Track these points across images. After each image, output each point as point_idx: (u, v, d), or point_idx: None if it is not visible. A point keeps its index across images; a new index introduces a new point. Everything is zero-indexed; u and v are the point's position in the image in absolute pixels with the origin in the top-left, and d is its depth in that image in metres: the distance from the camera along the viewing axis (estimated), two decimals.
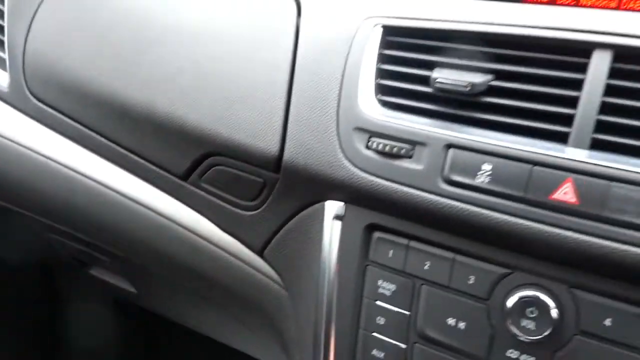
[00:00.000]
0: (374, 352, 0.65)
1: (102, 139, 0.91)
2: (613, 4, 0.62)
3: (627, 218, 0.52)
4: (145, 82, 0.84)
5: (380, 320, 0.65)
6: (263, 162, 0.73)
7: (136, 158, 0.87)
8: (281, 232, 0.76)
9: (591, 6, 0.62)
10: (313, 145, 0.68)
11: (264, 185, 0.75)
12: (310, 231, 0.72)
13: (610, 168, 0.52)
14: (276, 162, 0.72)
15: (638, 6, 0.59)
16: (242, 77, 0.76)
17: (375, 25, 0.67)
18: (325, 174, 0.67)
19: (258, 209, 0.77)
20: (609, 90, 0.54)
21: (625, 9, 0.59)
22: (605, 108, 0.54)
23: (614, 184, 0.52)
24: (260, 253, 0.80)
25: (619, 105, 0.54)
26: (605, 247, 0.52)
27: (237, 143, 0.74)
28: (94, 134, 0.92)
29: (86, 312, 1.65)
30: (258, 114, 0.73)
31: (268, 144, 0.72)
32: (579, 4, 0.65)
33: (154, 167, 0.86)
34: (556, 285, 0.56)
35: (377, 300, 0.65)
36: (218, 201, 0.81)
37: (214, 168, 0.79)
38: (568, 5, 0.65)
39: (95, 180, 0.92)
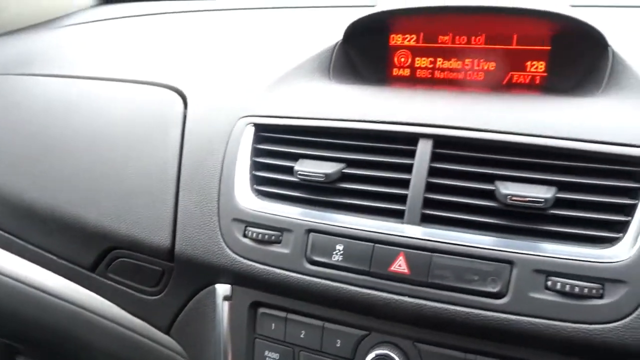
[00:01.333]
0: None
1: (13, 237, 0.97)
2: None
3: (447, 282, 0.64)
4: (48, 183, 0.92)
5: None
6: (158, 254, 0.82)
7: (46, 254, 0.94)
8: (183, 312, 0.85)
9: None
10: (198, 236, 0.78)
11: (162, 273, 0.84)
12: (206, 311, 0.81)
13: (432, 241, 0.65)
14: (169, 253, 0.81)
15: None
16: (135, 175, 0.85)
17: (248, 123, 0.78)
18: (210, 261, 0.76)
19: (160, 293, 0.86)
20: (433, 172, 0.67)
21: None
22: (431, 187, 0.67)
23: (435, 254, 0.64)
24: (167, 332, 0.88)
25: (441, 184, 0.67)
26: (434, 308, 0.64)
27: (135, 238, 0.83)
28: (4, 233, 0.98)
29: None
30: (151, 210, 0.82)
31: (161, 237, 0.81)
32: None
33: (63, 261, 0.93)
34: (403, 341, 0.68)
35: None
36: (124, 289, 0.89)
37: (118, 260, 0.87)
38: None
39: (6, 275, 0.97)
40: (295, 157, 0.74)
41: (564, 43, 0.76)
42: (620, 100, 0.68)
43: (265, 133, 0.77)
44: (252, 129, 0.78)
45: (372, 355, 0.68)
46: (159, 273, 0.84)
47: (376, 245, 0.67)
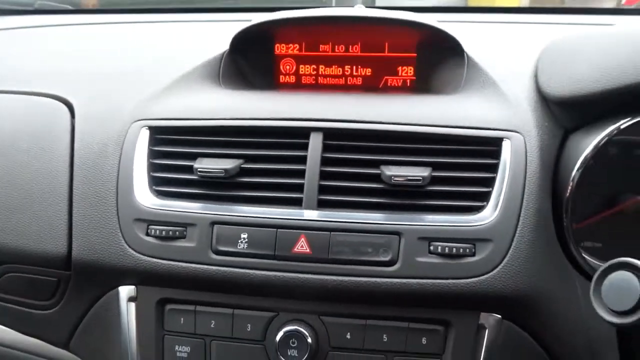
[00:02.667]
0: None
1: None
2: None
3: (345, 257, 0.71)
4: None
5: None
6: (53, 264, 0.80)
7: None
8: (82, 323, 0.83)
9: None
10: (98, 240, 0.77)
11: (58, 283, 0.81)
12: (109, 316, 0.80)
13: (329, 222, 0.72)
14: (66, 261, 0.79)
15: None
16: (22, 189, 0.82)
17: (143, 126, 0.80)
18: (112, 264, 0.76)
19: (56, 306, 0.83)
20: (325, 161, 0.74)
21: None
22: (324, 175, 0.74)
23: (333, 233, 0.71)
24: (65, 346, 0.85)
25: (333, 172, 0.74)
26: (336, 281, 0.71)
27: (25, 250, 0.80)
28: None
29: None
30: (42, 220, 0.80)
31: (55, 246, 0.79)
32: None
33: None
34: (310, 316, 0.73)
35: None
36: (15, 306, 0.84)
37: (6, 275, 0.83)
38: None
39: None
40: (194, 157, 0.77)
41: (429, 50, 0.89)
42: (477, 96, 0.81)
43: (160, 135, 0.80)
44: (147, 132, 0.80)
45: (281, 333, 0.72)
46: (54, 284, 0.81)
47: (279, 230, 0.72)
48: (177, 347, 0.76)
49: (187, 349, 0.76)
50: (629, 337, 0.72)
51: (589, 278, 0.68)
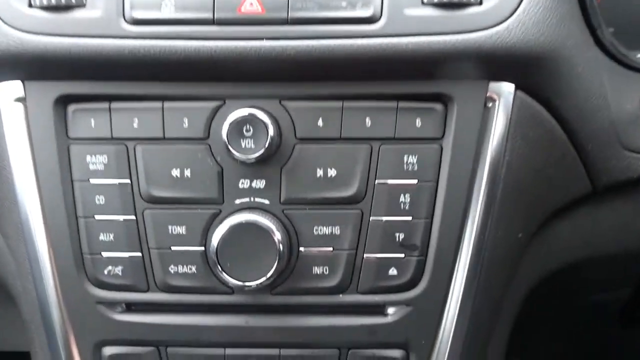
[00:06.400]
0: (102, 236, 0.57)
1: None
2: None
3: (310, 15, 0.52)
4: None
5: (100, 200, 0.57)
6: None
7: None
8: None
9: None
10: None
11: None
12: None
13: None
14: None
15: None
16: None
17: None
18: None
19: None
20: None
21: None
22: None
23: None
24: None
25: None
26: (299, 48, 0.52)
27: None
28: None
29: None
30: None
31: None
32: None
33: None
34: (268, 102, 0.55)
35: (90, 178, 0.56)
36: None
37: None
38: None
39: None
40: None
41: None
42: None
43: None
44: None
45: (229, 121, 0.54)
46: None
47: None
48: (89, 159, 0.56)
49: (104, 158, 0.56)
50: None
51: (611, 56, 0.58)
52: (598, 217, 0.65)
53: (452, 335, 0.58)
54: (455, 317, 0.58)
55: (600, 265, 0.72)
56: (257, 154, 0.53)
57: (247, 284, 0.54)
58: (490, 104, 0.56)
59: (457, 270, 0.57)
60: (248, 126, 0.53)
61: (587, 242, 0.66)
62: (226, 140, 0.53)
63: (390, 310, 0.59)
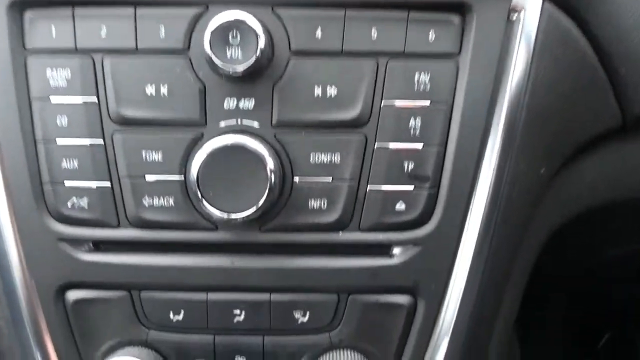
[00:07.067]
0: (65, 163, 0.49)
1: None
2: None
3: None
4: None
5: (63, 121, 0.49)
6: None
7: None
8: None
9: None
10: None
11: None
12: None
13: None
14: None
15: None
16: None
17: None
18: None
19: None
20: None
21: None
22: None
23: None
24: None
25: None
26: None
27: None
28: None
29: None
30: None
31: None
32: None
33: None
34: (258, 10, 0.47)
35: (51, 95, 0.49)
36: None
37: None
38: None
39: None
40: None
41: None
42: None
43: None
44: None
45: (212, 27, 0.45)
46: None
47: None
48: (49, 73, 0.48)
49: (66, 73, 0.48)
50: None
51: None
52: (626, 156, 0.59)
53: (465, 280, 0.51)
54: (470, 259, 0.51)
55: (624, 213, 0.65)
56: (244, 65, 0.45)
57: (232, 216, 0.47)
58: (514, 17, 0.49)
59: (473, 206, 0.50)
60: (235, 32, 0.45)
61: (613, 183, 0.59)
62: (209, 48, 0.45)
63: (397, 250, 0.52)
